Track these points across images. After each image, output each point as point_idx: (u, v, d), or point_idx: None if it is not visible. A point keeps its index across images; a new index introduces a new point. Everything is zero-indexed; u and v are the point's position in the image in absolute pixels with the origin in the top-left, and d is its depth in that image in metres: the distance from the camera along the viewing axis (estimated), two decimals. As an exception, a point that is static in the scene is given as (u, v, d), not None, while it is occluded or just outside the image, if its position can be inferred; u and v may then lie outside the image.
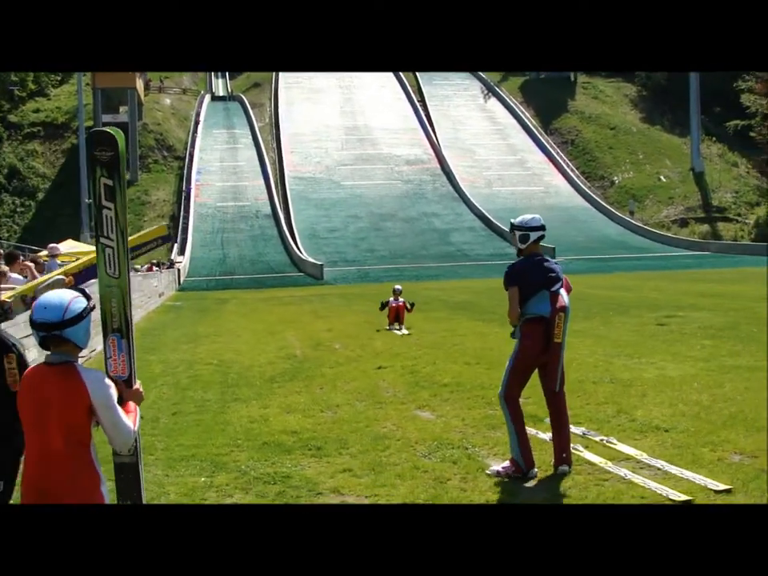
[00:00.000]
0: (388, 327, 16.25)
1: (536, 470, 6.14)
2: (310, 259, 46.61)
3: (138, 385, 3.76)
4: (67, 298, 3.27)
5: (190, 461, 6.84)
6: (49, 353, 3.28)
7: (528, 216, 6.45)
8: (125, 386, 3.74)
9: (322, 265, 43.76)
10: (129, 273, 4.03)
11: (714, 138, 68.69)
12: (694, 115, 65.12)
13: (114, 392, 3.29)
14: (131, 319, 4.02)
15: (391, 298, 16.37)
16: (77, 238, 44.06)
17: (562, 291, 6.38)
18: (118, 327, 4.00)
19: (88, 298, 3.35)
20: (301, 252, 49.70)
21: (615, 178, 66.62)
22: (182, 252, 51.18)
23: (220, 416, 8.70)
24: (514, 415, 6.25)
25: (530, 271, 6.28)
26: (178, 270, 43.15)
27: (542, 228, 6.40)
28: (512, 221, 6.50)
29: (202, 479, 6.34)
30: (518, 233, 6.37)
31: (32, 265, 11.84)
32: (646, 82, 77.22)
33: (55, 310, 3.20)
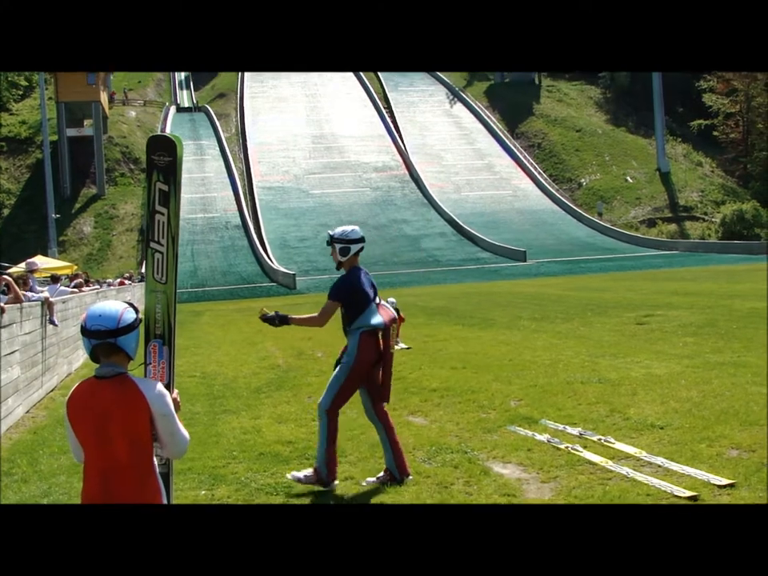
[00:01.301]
0: None
1: (337, 482, 6.21)
2: (282, 269, 46.47)
3: (175, 393, 3.71)
4: (120, 307, 3.25)
5: (187, 474, 6.76)
6: (98, 366, 3.25)
7: (348, 228, 6.32)
8: None
9: (294, 274, 43.65)
10: (176, 280, 3.98)
11: (678, 138, 69.59)
12: (658, 116, 65.88)
13: (170, 401, 3.27)
14: (174, 326, 3.96)
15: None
16: (45, 254, 43.67)
17: (384, 302, 6.44)
18: (161, 333, 3.95)
19: (136, 310, 3.33)
20: (272, 262, 49.55)
21: (582, 180, 67.18)
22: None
23: (211, 428, 8.62)
24: (330, 430, 6.26)
25: (359, 285, 6.23)
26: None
27: (362, 240, 6.32)
28: (330, 233, 6.34)
29: (203, 492, 6.28)
30: (338, 245, 6.23)
31: (10, 279, 11.67)
32: (609, 84, 78.00)
33: (110, 318, 3.18)
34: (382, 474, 6.29)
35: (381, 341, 6.30)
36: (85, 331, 3.19)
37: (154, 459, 3.29)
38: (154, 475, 3.26)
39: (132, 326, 3.23)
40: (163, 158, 3.93)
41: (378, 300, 6.34)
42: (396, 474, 6.19)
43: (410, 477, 6.22)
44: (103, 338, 3.17)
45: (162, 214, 3.94)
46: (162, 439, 3.25)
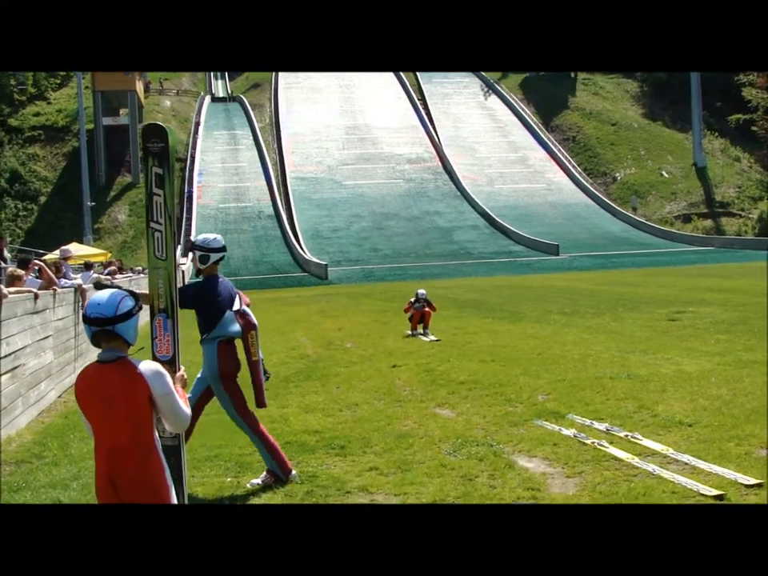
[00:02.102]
0: (411, 333, 15.08)
1: (295, 472, 6.22)
2: (314, 259, 46.59)
3: (182, 371, 3.86)
4: (119, 296, 3.42)
5: (214, 461, 6.84)
6: (100, 350, 3.43)
7: (210, 236, 6.30)
8: (170, 368, 3.82)
9: (326, 265, 43.73)
10: (175, 256, 4.18)
11: (715, 133, 68.56)
12: (696, 110, 64.98)
13: (169, 380, 3.44)
14: (176, 300, 4.16)
15: (413, 299, 15.23)
16: (80, 241, 44.14)
17: (246, 308, 6.37)
18: (164, 307, 4.18)
19: (137, 298, 3.48)
20: (304, 252, 49.67)
21: (617, 174, 66.53)
22: (185, 254, 51.15)
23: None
24: (258, 433, 6.26)
25: (214, 293, 6.18)
26: (183, 271, 43.10)
27: (224, 249, 6.30)
28: (192, 239, 6.36)
29: (228, 479, 6.34)
30: (198, 253, 6.21)
31: (42, 264, 11.85)
32: (646, 77, 77.08)
33: (108, 306, 3.36)
34: (264, 474, 6.26)
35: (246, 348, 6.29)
36: (85, 318, 3.37)
37: (156, 437, 3.46)
38: (155, 452, 3.44)
39: (129, 314, 3.38)
40: (157, 145, 4.24)
41: (238, 307, 6.28)
42: (279, 473, 6.19)
43: (294, 473, 6.23)
44: (101, 326, 3.35)
45: (159, 196, 4.23)
46: (163, 416, 3.45)
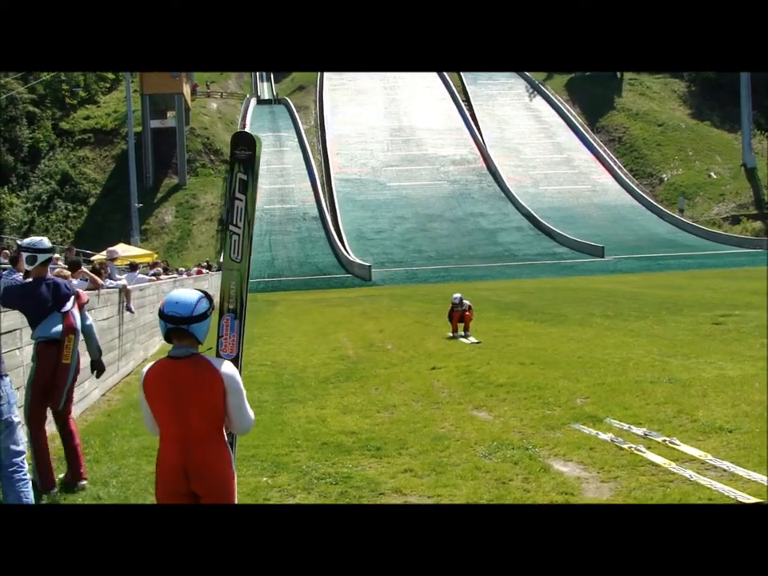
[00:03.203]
0: (452, 334, 15.21)
1: (56, 489, 6.20)
2: (358, 260, 46.70)
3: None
4: (196, 296, 3.52)
5: (251, 461, 6.90)
6: (172, 346, 3.53)
7: (36, 238, 6.53)
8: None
9: (369, 266, 43.82)
10: (250, 259, 4.33)
11: (766, 133, 67.33)
12: (745, 110, 63.88)
13: (240, 378, 3.54)
14: (246, 302, 4.29)
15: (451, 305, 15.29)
16: (127, 242, 44.79)
17: (75, 311, 6.45)
18: (234, 308, 4.32)
19: (211, 300, 3.59)
20: (348, 253, 49.83)
21: (664, 175, 65.68)
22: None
23: (277, 416, 8.77)
24: (35, 439, 6.27)
25: (37, 294, 6.28)
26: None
27: (50, 251, 6.47)
28: (18, 242, 6.64)
29: (264, 479, 6.40)
30: (25, 254, 6.40)
31: (86, 270, 12.04)
32: (694, 77, 75.97)
33: (185, 306, 3.46)
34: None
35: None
36: (162, 315, 3.48)
37: (224, 431, 3.55)
38: (225, 444, 3.55)
39: (204, 315, 3.50)
40: (244, 152, 4.41)
41: (68, 309, 6.39)
42: (38, 482, 6.16)
43: (55, 490, 6.24)
44: (177, 324, 3.46)
45: (241, 201, 4.37)
46: (231, 413, 3.51)
